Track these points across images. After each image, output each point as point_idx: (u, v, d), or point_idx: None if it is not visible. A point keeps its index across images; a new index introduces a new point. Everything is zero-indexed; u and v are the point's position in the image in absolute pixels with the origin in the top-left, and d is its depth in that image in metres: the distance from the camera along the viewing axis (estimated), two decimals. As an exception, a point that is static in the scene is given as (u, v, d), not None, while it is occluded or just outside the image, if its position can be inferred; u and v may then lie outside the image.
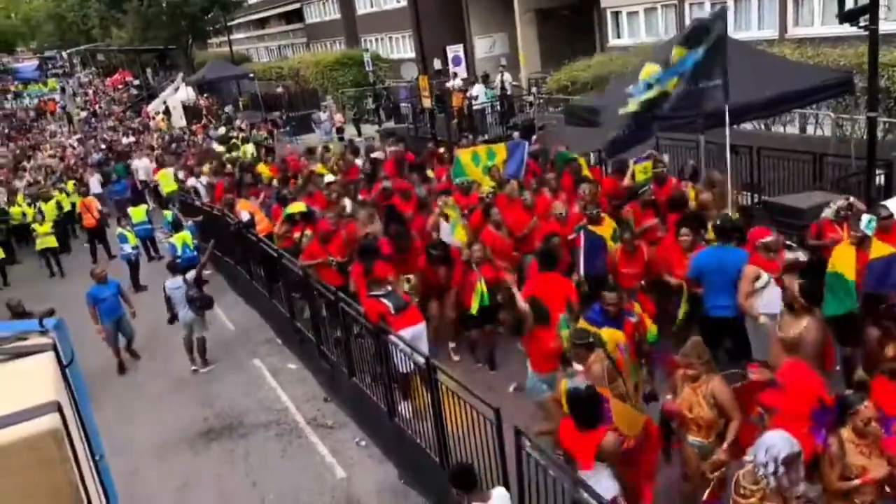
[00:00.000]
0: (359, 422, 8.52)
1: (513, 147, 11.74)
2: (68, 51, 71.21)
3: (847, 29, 9.49)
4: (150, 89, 46.93)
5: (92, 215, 17.18)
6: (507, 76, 23.71)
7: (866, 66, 12.90)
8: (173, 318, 10.67)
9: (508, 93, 22.78)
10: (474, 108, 21.06)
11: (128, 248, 14.40)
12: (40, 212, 17.53)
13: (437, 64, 30.05)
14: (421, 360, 6.40)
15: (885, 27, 15.02)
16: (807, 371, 5.19)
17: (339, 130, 27.03)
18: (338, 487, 7.60)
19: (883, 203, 8.11)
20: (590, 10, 25.65)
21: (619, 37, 24.09)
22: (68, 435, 2.35)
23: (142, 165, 22.35)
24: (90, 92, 56.12)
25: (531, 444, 5.05)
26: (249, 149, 21.72)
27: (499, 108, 21.64)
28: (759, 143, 12.85)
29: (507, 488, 5.28)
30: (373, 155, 15.69)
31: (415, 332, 7.56)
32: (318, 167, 14.80)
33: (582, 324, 6.29)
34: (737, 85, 9.04)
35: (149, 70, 53.23)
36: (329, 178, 13.54)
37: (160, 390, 10.48)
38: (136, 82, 51.16)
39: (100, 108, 45.86)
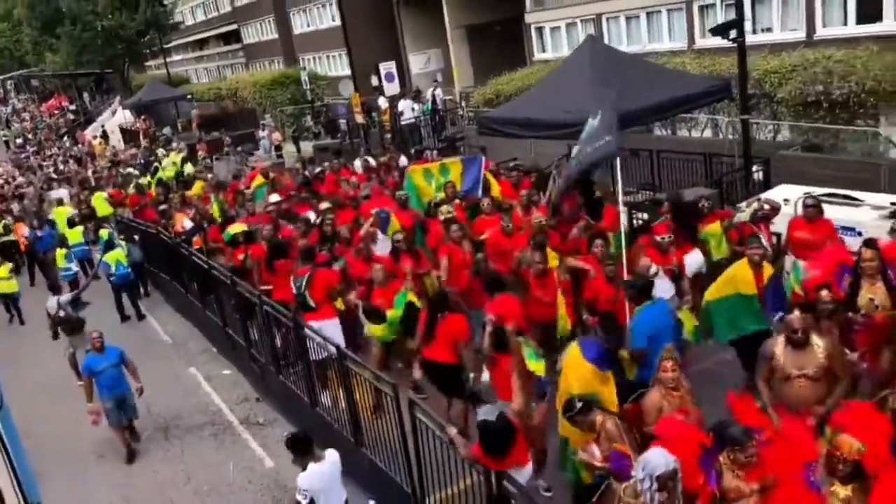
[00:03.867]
0: (287, 417, 9.11)
1: (468, 162, 11.44)
2: (1, 77, 69.71)
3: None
4: (87, 114, 46.52)
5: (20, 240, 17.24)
6: (439, 91, 24.60)
7: (756, 73, 14.26)
8: (56, 335, 11.08)
9: (439, 107, 23.67)
10: (402, 123, 21.82)
11: (74, 268, 14.78)
12: None
13: (375, 80, 30.85)
14: (333, 349, 7.07)
15: (766, 38, 16.71)
16: (680, 425, 5.04)
17: (278, 148, 27.54)
18: (267, 476, 8.20)
19: (760, 196, 9.08)
20: (519, 25, 26.76)
21: (543, 51, 25.24)
22: None
23: (63, 194, 21.44)
24: (26, 118, 55.11)
25: (422, 412, 5.77)
26: (187, 168, 22.09)
27: (431, 122, 22.52)
28: (665, 147, 14.00)
29: (408, 455, 6.01)
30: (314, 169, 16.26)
31: (324, 325, 8.20)
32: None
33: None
34: (628, 93, 10.00)
35: (86, 94, 52.64)
36: (274, 197, 13.79)
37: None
38: (73, 107, 50.59)
39: (34, 135, 45.16)
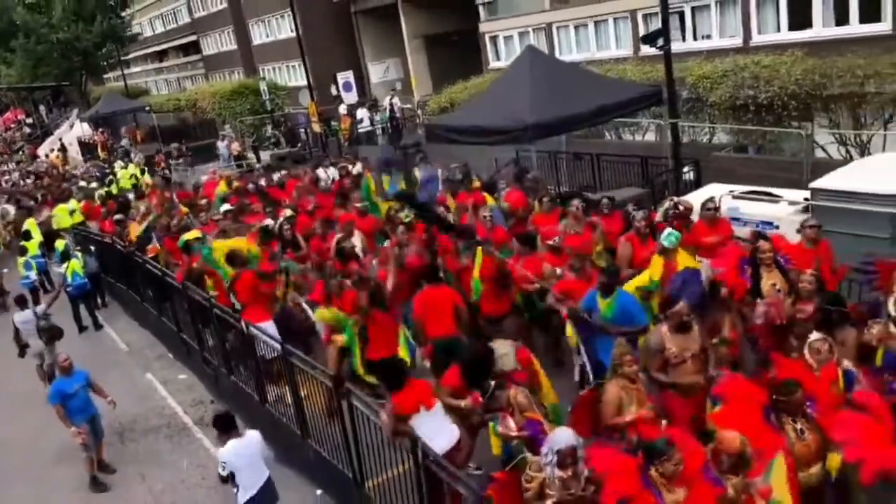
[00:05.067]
0: (240, 415, 9.33)
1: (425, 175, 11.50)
2: (-45, 90, 68.42)
3: (678, 47, 11.01)
4: (44, 127, 46.00)
5: None
6: (396, 100, 25.07)
7: (690, 78, 14.96)
8: (23, 351, 10.73)
9: (397, 115, 24.13)
10: (360, 130, 22.22)
11: (33, 276, 14.88)
12: None
13: (335, 90, 31.20)
14: (278, 346, 7.43)
15: (706, 45, 17.49)
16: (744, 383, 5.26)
17: (238, 158, 27.71)
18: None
19: (679, 198, 9.61)
20: (476, 35, 27.36)
21: (497, 59, 25.84)
22: None
23: (8, 210, 20.98)
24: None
25: (357, 399, 6.17)
26: (145, 178, 22.22)
27: (388, 131, 22.97)
28: (607, 150, 14.61)
29: (347, 439, 6.39)
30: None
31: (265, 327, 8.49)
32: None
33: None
34: (565, 99, 10.57)
35: (42, 107, 52.04)
36: (225, 206, 14.05)
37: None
38: (30, 120, 49.97)
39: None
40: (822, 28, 15.64)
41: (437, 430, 5.68)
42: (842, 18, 15.37)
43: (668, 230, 7.33)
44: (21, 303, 11.11)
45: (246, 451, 6.10)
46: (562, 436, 4.65)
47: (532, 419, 5.27)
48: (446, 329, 7.44)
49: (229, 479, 6.12)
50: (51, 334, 10.55)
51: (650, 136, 16.00)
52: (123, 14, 47.50)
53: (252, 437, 6.28)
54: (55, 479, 9.04)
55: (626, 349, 5.70)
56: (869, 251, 7.18)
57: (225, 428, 6.14)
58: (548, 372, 6.67)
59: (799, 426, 4.83)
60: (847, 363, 5.54)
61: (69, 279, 13.42)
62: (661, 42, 10.32)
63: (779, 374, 5.26)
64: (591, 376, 6.48)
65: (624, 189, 11.28)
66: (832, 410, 4.92)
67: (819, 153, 13.38)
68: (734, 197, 9.98)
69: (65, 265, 13.65)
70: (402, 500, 5.85)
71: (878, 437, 4.68)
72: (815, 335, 5.60)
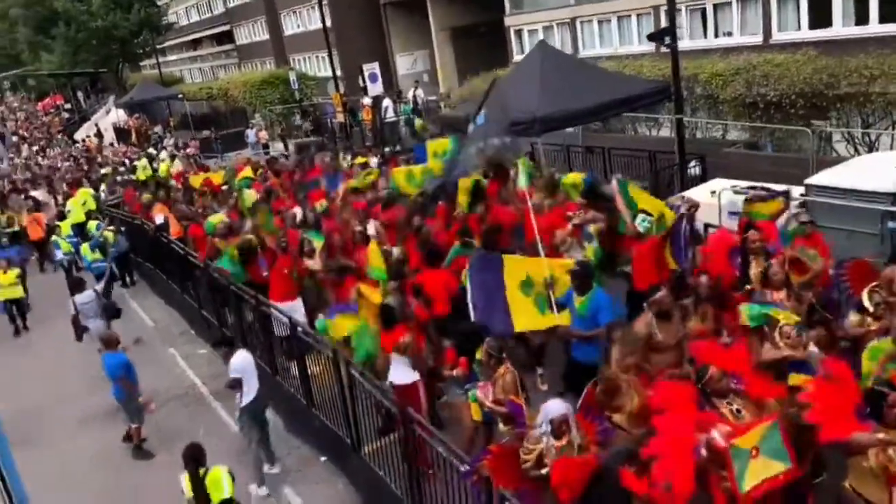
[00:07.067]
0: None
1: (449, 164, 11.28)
2: (-2, 76, 70.42)
3: (697, 44, 11.20)
4: (81, 112, 47.34)
5: (41, 227, 17.98)
6: (420, 91, 25.49)
7: (703, 75, 15.16)
8: (82, 335, 10.83)
9: (420, 107, 24.56)
10: (385, 121, 22.67)
11: (60, 255, 15.54)
12: None
13: (361, 81, 31.67)
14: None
15: (726, 42, 17.61)
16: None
17: (265, 146, 28.42)
18: (234, 438, 9.04)
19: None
20: (502, 27, 27.62)
21: (522, 52, 26.03)
22: None
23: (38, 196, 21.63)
24: (19, 116, 55.87)
25: (356, 370, 6.66)
26: (175, 165, 22.96)
27: (410, 122, 23.42)
28: (619, 144, 14.90)
29: (346, 407, 6.90)
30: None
31: (292, 307, 9.10)
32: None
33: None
34: (573, 95, 10.90)
35: (80, 93, 53.45)
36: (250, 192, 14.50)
37: (80, 381, 11.60)
38: (68, 106, 51.42)
39: (28, 133, 45.90)
40: (841, 27, 15.72)
41: (399, 370, 6.85)
42: (862, 18, 15.44)
43: (641, 215, 7.72)
44: (78, 285, 11.18)
45: (250, 364, 7.50)
46: (554, 406, 5.02)
47: (513, 402, 5.67)
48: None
49: (235, 385, 7.46)
50: (112, 312, 10.99)
51: (665, 132, 16.23)
52: (160, 3, 48.65)
53: (248, 355, 7.61)
54: (75, 444, 9.68)
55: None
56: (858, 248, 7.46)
57: (229, 346, 7.85)
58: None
59: (735, 406, 4.95)
60: (813, 348, 5.87)
61: (87, 261, 14.03)
62: (667, 40, 10.60)
63: (697, 362, 5.34)
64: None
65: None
66: (759, 380, 5.11)
67: (828, 151, 13.52)
68: (735, 192, 10.22)
69: (83, 246, 14.23)
70: (393, 463, 6.34)
71: (839, 404, 4.64)
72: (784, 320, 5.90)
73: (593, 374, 5.79)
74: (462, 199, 9.91)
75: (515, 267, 6.91)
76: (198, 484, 6.01)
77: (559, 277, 7.01)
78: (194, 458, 6.16)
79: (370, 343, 7.30)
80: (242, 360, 7.46)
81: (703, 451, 4.43)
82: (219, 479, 6.01)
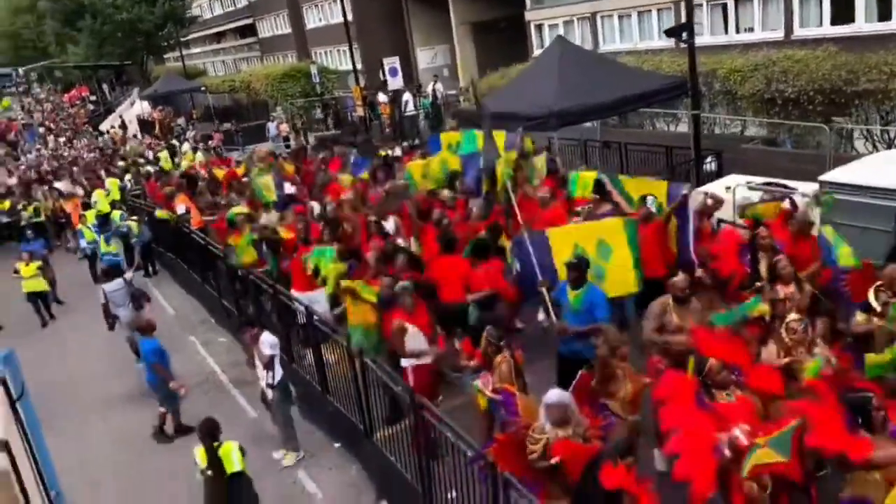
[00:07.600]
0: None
1: (468, 159, 11.51)
2: (24, 68, 71.52)
3: (717, 40, 11.20)
4: (106, 104, 47.99)
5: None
6: (439, 86, 25.60)
7: (722, 71, 15.12)
8: (113, 324, 10.94)
9: (439, 101, 24.68)
10: (406, 113, 22.82)
11: (84, 243, 15.87)
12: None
13: (382, 75, 31.86)
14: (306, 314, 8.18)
15: (748, 38, 17.51)
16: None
17: (286, 139, 28.68)
18: (250, 424, 9.29)
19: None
20: (523, 22, 27.62)
21: (542, 47, 26.01)
22: (17, 474, 2.20)
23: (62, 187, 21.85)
24: (46, 108, 56.74)
25: (370, 361, 6.83)
26: (198, 157, 23.30)
27: (429, 116, 23.55)
28: (636, 140, 14.93)
29: (359, 394, 7.07)
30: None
31: (312, 297, 9.26)
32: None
33: None
34: (590, 90, 10.97)
35: (105, 85, 54.17)
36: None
37: (105, 365, 11.97)
38: (93, 97, 52.16)
39: (54, 124, 46.63)
40: (863, 23, 15.58)
41: (415, 340, 7.11)
42: (885, 14, 15.29)
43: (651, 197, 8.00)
44: (109, 273, 11.24)
45: (277, 344, 7.92)
46: (552, 395, 5.13)
47: (507, 390, 5.79)
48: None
49: (270, 363, 7.78)
50: (140, 301, 11.04)
51: (683, 128, 16.21)
52: (183, -4, 49.17)
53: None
54: (99, 427, 9.96)
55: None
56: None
57: (255, 325, 8.09)
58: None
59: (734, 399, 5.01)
60: (821, 345, 5.93)
61: (101, 252, 14.31)
62: (685, 35, 10.63)
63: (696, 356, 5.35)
64: None
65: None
66: (758, 370, 5.19)
67: (847, 148, 13.45)
68: (750, 188, 10.26)
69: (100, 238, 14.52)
70: (405, 449, 6.51)
71: (829, 423, 4.58)
72: (792, 315, 5.97)
73: (579, 368, 5.84)
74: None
75: (562, 238, 7.21)
76: (213, 455, 6.24)
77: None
78: (210, 433, 6.39)
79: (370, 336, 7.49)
80: (273, 339, 7.90)
81: (726, 451, 4.44)
82: (229, 453, 6.27)
